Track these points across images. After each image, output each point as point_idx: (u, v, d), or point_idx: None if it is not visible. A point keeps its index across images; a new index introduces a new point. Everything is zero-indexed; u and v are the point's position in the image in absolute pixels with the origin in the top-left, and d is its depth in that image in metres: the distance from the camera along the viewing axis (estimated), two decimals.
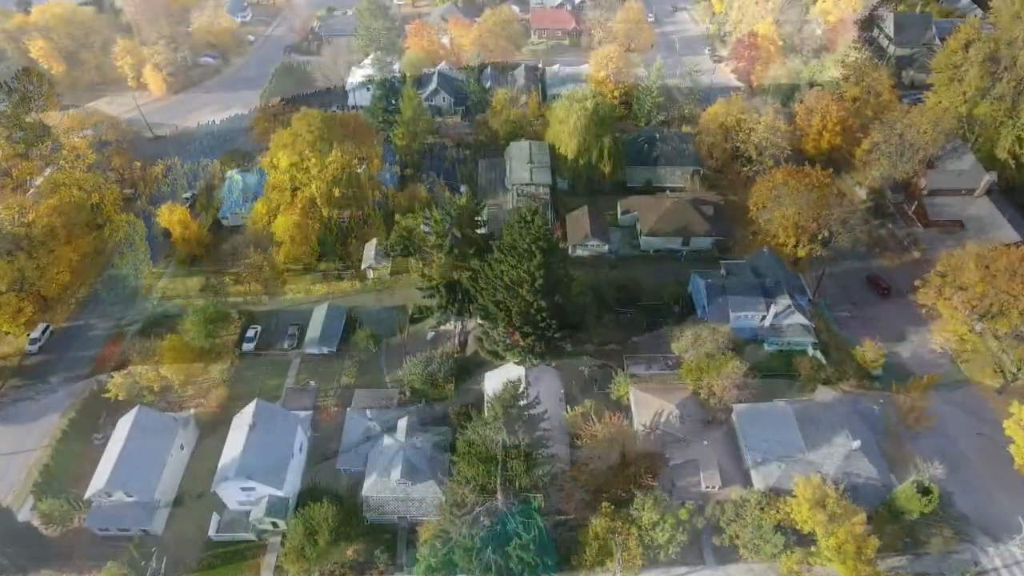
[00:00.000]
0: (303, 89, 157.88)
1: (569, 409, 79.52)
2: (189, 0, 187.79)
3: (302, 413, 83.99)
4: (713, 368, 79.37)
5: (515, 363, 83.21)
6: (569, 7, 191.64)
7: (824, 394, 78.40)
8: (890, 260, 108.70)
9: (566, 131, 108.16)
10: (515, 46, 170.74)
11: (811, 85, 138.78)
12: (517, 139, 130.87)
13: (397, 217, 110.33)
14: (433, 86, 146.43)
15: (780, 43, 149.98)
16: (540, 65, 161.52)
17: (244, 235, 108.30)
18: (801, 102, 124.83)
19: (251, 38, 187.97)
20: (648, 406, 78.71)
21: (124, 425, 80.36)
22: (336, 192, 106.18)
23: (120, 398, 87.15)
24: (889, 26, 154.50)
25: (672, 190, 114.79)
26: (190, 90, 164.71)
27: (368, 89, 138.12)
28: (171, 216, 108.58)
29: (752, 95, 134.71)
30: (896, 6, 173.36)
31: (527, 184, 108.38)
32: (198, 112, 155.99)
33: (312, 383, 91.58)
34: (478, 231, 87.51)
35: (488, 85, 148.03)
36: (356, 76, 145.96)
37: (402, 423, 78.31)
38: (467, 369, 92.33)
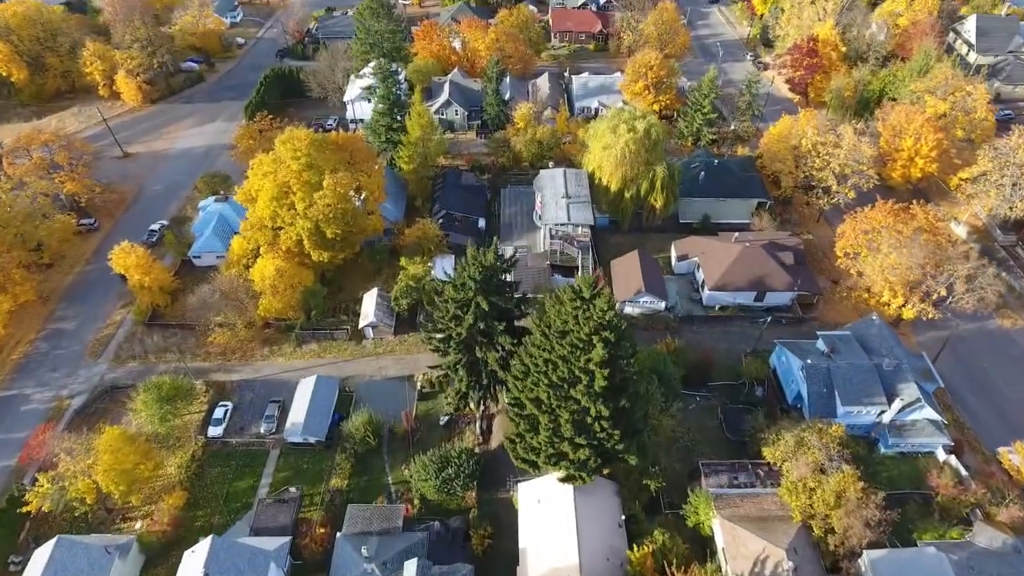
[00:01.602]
0: (295, 99, 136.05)
1: (635, 548, 57.43)
2: None
3: (276, 542, 61.81)
4: (829, 490, 57.31)
5: (559, 479, 61.20)
6: (594, 7, 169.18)
7: (986, 533, 56.33)
8: (1010, 320, 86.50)
9: (611, 158, 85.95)
10: (534, 50, 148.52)
11: (886, 99, 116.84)
12: (544, 162, 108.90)
13: (403, 261, 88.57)
14: (444, 97, 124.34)
15: (843, 49, 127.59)
16: (566, 73, 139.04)
17: (217, 282, 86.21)
18: (882, 121, 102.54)
19: (241, 40, 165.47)
20: (743, 547, 56.70)
21: (39, 561, 58.74)
22: (328, 232, 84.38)
23: (46, 509, 65.83)
24: (970, 31, 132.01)
25: (736, 228, 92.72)
26: (169, 99, 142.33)
27: (369, 100, 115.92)
28: (126, 259, 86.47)
29: (809, 109, 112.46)
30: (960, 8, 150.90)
31: (563, 224, 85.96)
32: (176, 125, 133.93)
33: (293, 489, 69.57)
34: (509, 296, 65.28)
35: (508, 96, 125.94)
36: (355, 87, 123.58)
37: (410, 568, 56.33)
38: (492, 468, 70.59)
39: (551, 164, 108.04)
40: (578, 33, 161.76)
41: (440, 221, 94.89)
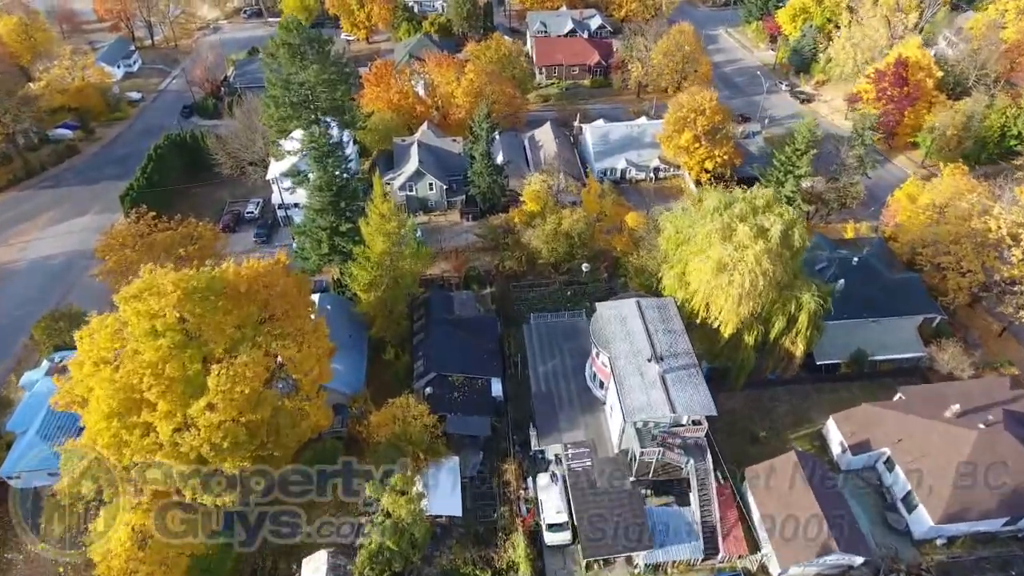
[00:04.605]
0: (204, 175, 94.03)
1: None
2: (49, 47, 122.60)
3: None
4: None
5: None
6: (585, 35, 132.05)
7: None
8: None
9: (732, 288, 46.93)
10: (522, 92, 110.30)
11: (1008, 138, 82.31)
12: (576, 262, 69.81)
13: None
14: (413, 166, 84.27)
15: (939, 74, 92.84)
16: (576, 123, 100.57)
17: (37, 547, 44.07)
18: None
19: (135, 95, 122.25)
20: None
21: None
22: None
23: None
24: None
25: (903, 369, 54.99)
26: (25, 184, 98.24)
27: (302, 185, 73.83)
28: None
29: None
30: None
31: (659, 420, 45.33)
32: (31, 223, 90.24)
33: None
34: None
35: (501, 159, 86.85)
36: (278, 166, 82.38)
37: None
38: None
39: (586, 267, 69.06)
40: (570, 67, 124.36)
41: (427, 392, 54.26)
